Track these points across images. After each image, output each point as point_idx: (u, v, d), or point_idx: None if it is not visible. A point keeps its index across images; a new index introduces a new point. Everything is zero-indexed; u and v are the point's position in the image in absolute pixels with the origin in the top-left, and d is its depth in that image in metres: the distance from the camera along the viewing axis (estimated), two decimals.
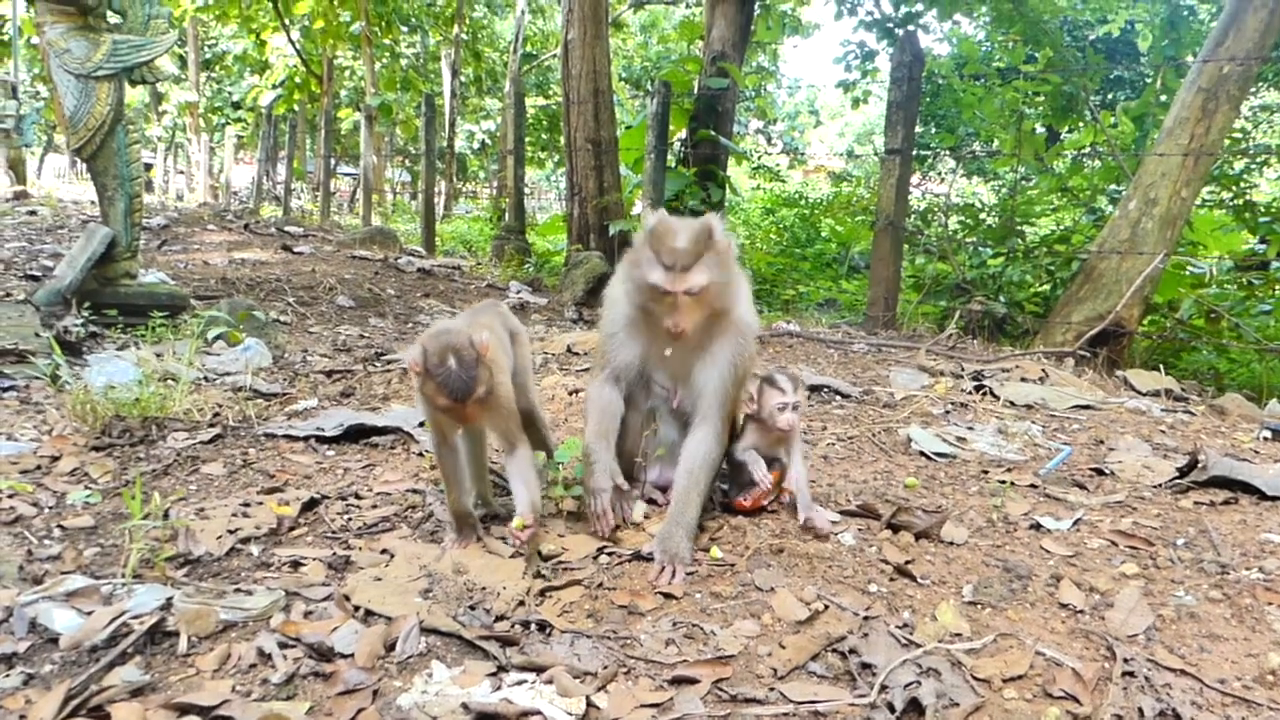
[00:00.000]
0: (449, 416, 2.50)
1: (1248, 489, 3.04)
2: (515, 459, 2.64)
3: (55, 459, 3.28)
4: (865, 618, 2.17)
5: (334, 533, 2.75)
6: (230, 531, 2.66)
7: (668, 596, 2.32)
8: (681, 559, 2.45)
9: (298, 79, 24.17)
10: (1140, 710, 1.81)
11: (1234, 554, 2.53)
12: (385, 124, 24.35)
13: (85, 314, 5.03)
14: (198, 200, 21.99)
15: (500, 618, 2.23)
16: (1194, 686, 1.89)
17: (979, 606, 2.25)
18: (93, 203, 5.95)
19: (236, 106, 30.25)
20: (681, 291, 2.46)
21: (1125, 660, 1.97)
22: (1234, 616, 2.19)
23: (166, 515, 2.72)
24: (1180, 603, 2.25)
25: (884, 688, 1.88)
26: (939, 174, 15.78)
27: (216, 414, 3.82)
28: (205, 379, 4.55)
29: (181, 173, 28.37)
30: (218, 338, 5.41)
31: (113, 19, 5.30)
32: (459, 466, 2.67)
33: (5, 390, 4.10)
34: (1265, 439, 3.92)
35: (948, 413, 4.14)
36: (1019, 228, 8.90)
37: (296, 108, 24.59)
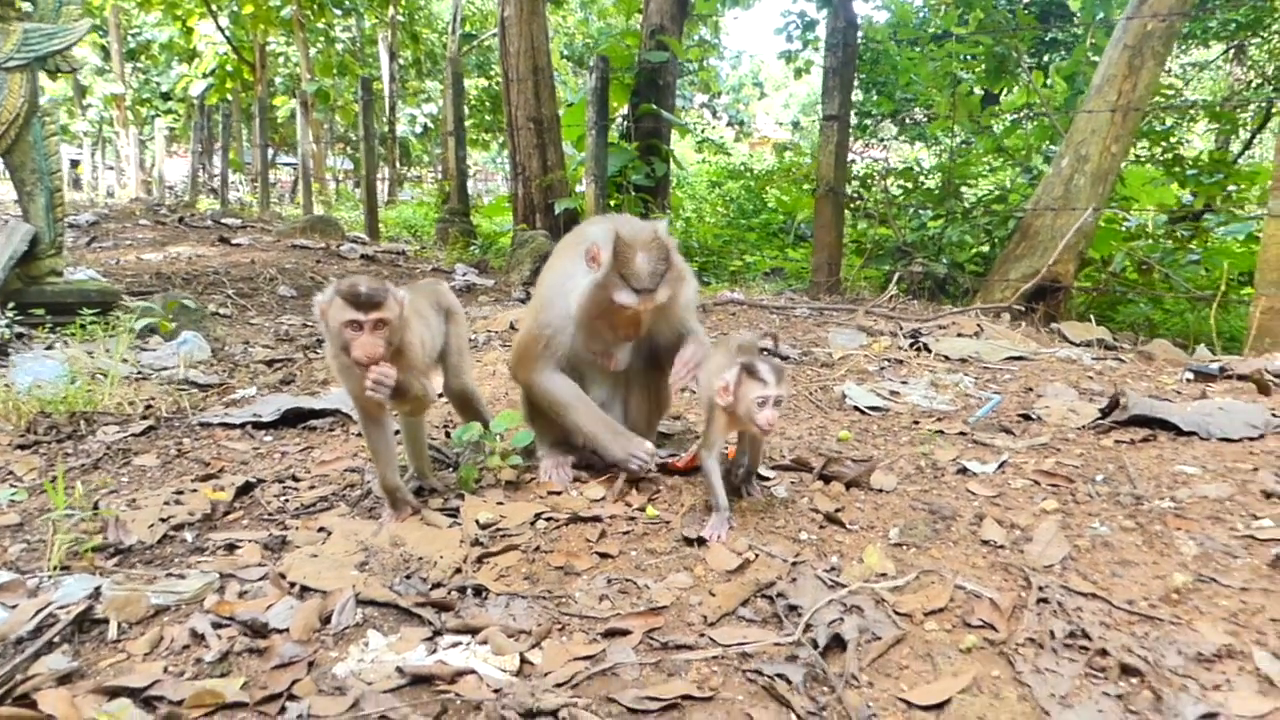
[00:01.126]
0: (356, 361, 2.41)
1: (1166, 426, 3.14)
2: (413, 422, 2.71)
3: None
4: (794, 563, 2.22)
5: (270, 515, 2.74)
6: (163, 519, 2.64)
7: (603, 555, 2.36)
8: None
9: (229, 67, 23.56)
10: (1052, 633, 1.88)
11: (1149, 486, 2.62)
12: (323, 110, 23.94)
13: (9, 314, 4.92)
14: (129, 196, 21.46)
15: (437, 585, 2.25)
16: (1104, 608, 1.97)
17: (904, 547, 2.31)
18: (14, 201, 5.79)
19: (166, 97, 29.42)
20: (652, 307, 2.67)
21: (1040, 588, 2.04)
22: (1145, 543, 2.28)
23: (96, 507, 2.69)
24: (1095, 533, 2.34)
25: (809, 627, 1.94)
26: (881, 141, 15.91)
27: (149, 406, 3.77)
28: (139, 374, 4.49)
29: (111, 168, 27.60)
30: (152, 333, 5.32)
31: (24, 7, 5.15)
32: (387, 442, 2.66)
33: None
34: (1188, 380, 4.04)
35: (883, 369, 4.22)
36: (957, 190, 9.03)
37: (230, 97, 24.04)
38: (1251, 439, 3.00)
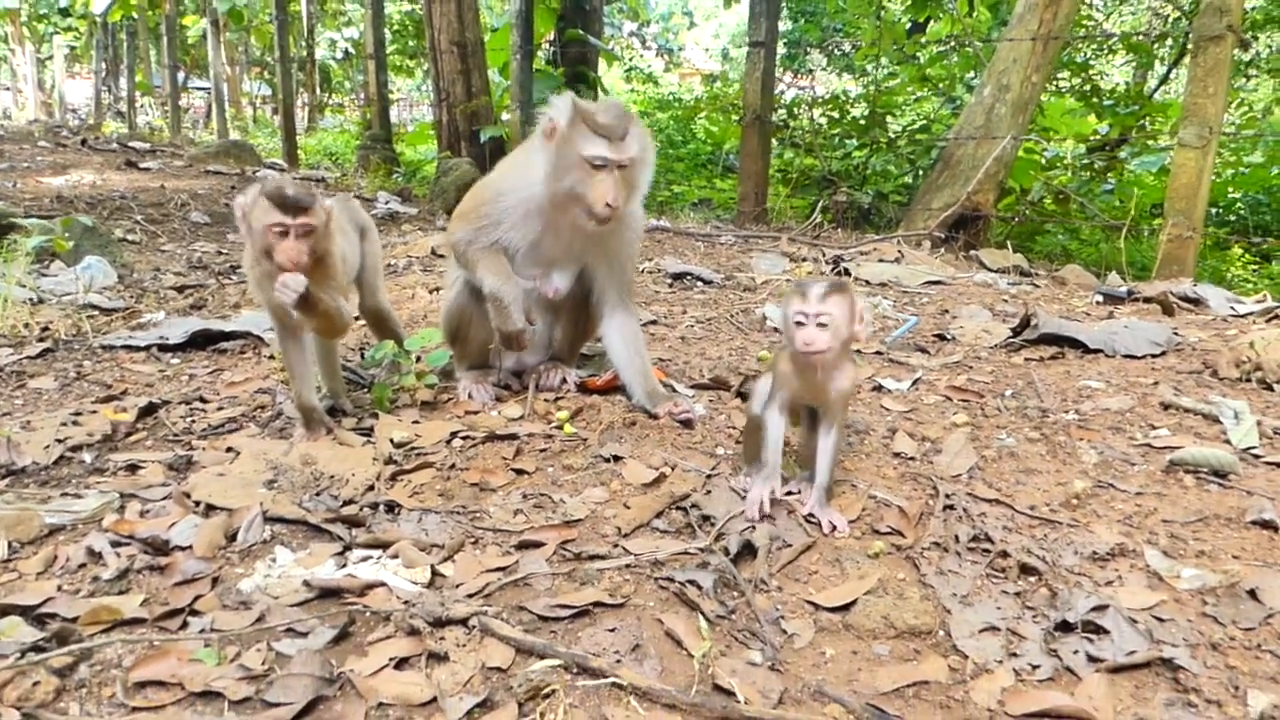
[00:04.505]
0: (279, 266, 2.33)
1: (1074, 344, 3.23)
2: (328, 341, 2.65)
3: None
4: (709, 476, 2.23)
5: (176, 435, 2.65)
6: (59, 440, 2.53)
7: (520, 472, 2.34)
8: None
9: None
10: (956, 537, 1.93)
11: (1055, 400, 2.70)
12: (236, 31, 22.80)
13: None
14: (28, 117, 20.32)
15: (348, 503, 2.22)
16: (1006, 514, 2.03)
17: None
18: None
19: (65, 14, 27.68)
20: (624, 160, 2.45)
21: (947, 496, 2.09)
22: (1049, 453, 2.34)
23: None
24: (1002, 444, 2.40)
25: (721, 535, 1.95)
26: (809, 71, 15.84)
27: (46, 329, 3.61)
28: (38, 299, 4.27)
29: (8, 88, 26.03)
30: (54, 258, 5.07)
31: None
32: (304, 359, 2.60)
33: None
34: (1097, 303, 4.16)
35: None
36: (882, 120, 9.05)
37: (135, 15, 22.70)
38: (1154, 356, 3.10)
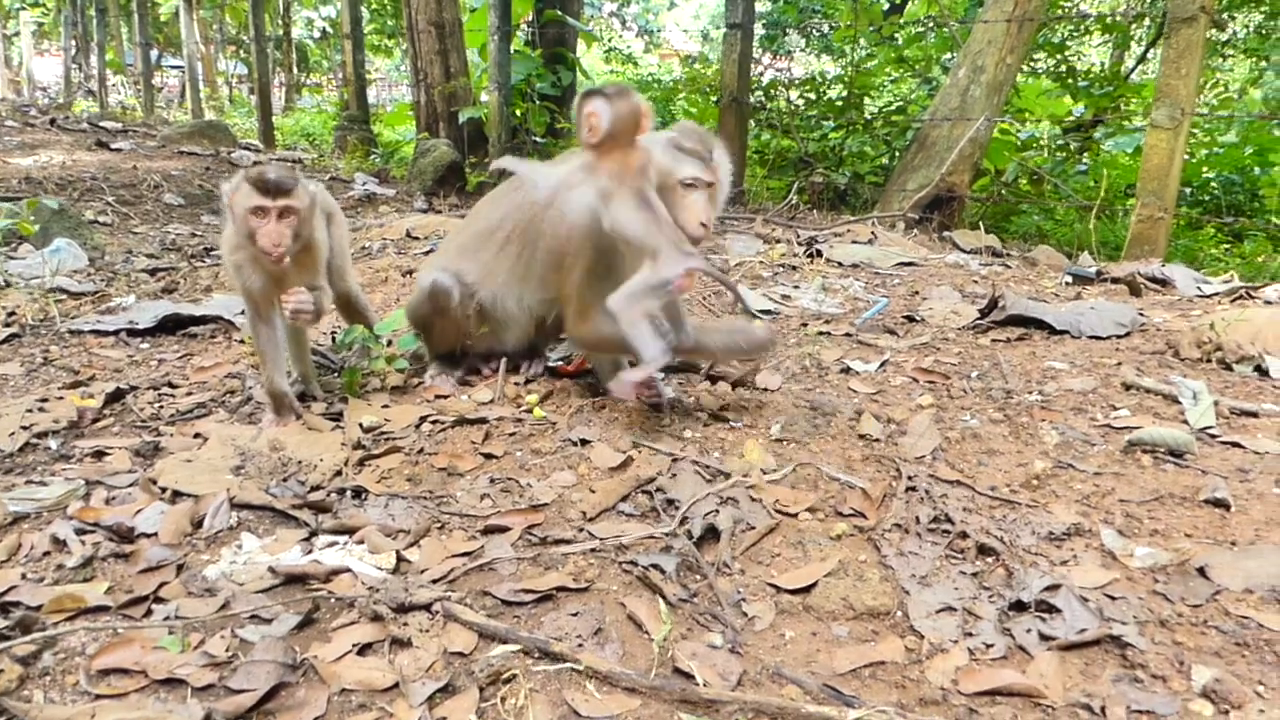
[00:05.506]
0: (261, 250, 2.35)
1: (1041, 325, 3.26)
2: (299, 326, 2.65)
3: None
4: (675, 459, 2.25)
5: (143, 422, 2.65)
6: (24, 427, 2.52)
7: (488, 456, 2.35)
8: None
9: None
10: (917, 518, 1.96)
11: (1019, 381, 2.73)
12: (210, 8, 22.49)
13: None
14: None
15: (316, 488, 2.22)
16: (967, 495, 2.06)
17: (784, 443, 2.36)
18: None
19: None
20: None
21: (909, 478, 2.12)
22: (1011, 434, 2.37)
23: None
24: (966, 425, 2.42)
25: (685, 519, 1.97)
26: (788, 53, 15.79)
27: (12, 314, 3.57)
28: (4, 283, 4.23)
29: None
30: (22, 240, 5.01)
31: None
32: (276, 344, 2.60)
33: None
34: (1066, 283, 4.19)
35: (776, 275, 4.25)
36: (859, 101, 9.05)
37: None
38: (1119, 337, 3.14)
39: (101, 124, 12.27)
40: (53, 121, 12.06)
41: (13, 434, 2.48)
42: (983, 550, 1.84)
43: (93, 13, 18.71)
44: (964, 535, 1.89)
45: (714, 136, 2.50)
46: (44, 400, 2.71)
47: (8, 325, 3.45)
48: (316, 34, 28.13)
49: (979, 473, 2.17)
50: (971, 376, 2.80)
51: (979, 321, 3.36)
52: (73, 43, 19.06)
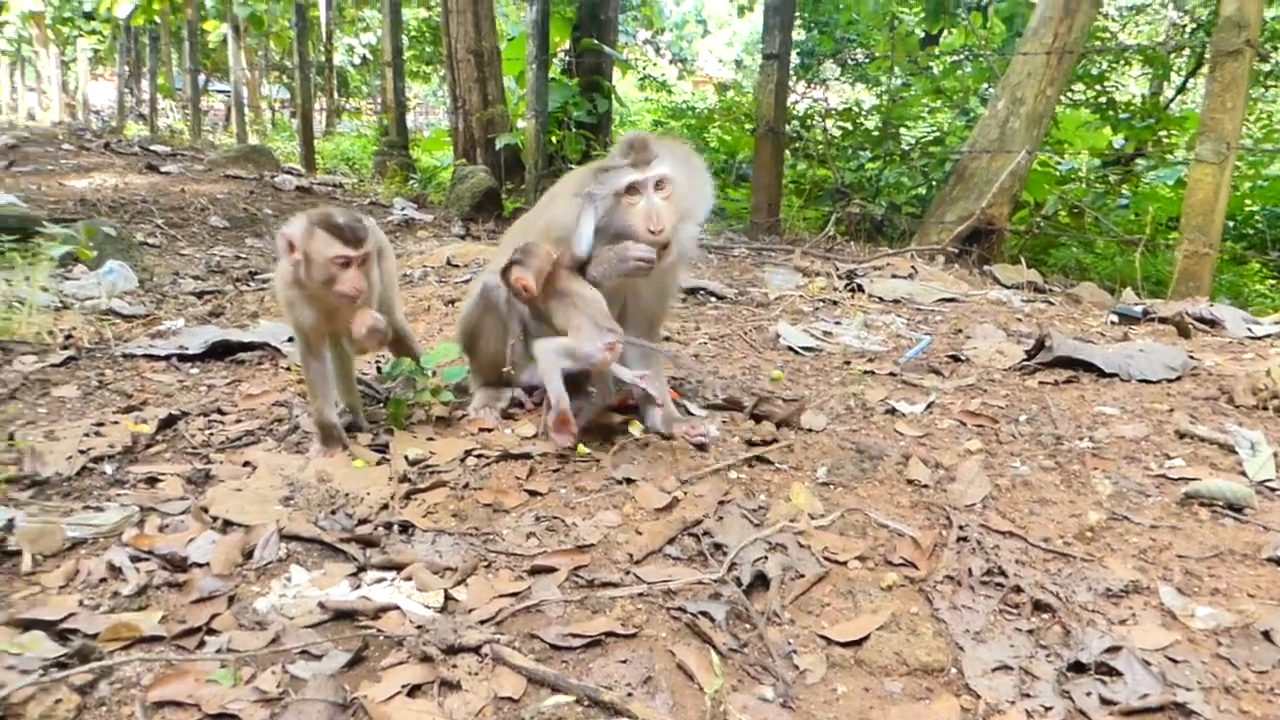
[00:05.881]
0: (333, 294, 2.39)
1: (1089, 368, 3.22)
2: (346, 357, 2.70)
3: None
4: (721, 502, 2.24)
5: (194, 448, 2.68)
6: (81, 451, 2.56)
7: (533, 493, 2.35)
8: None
9: None
10: (970, 570, 1.93)
11: (1069, 427, 2.69)
12: (256, 37, 22.99)
13: None
14: (52, 119, 20.52)
15: (363, 521, 2.23)
16: (1020, 546, 2.03)
17: (831, 486, 2.34)
18: None
19: (89, 17, 27.96)
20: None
21: (960, 527, 2.09)
22: (1063, 482, 2.34)
23: (12, 438, 2.60)
24: (1016, 473, 2.39)
25: (733, 565, 1.96)
26: (823, 81, 15.84)
27: (69, 337, 3.65)
28: (61, 304, 4.32)
29: (32, 89, 26.35)
30: (77, 261, 5.12)
31: None
32: (326, 376, 2.63)
33: None
34: (1112, 323, 4.14)
35: (817, 310, 4.24)
36: (896, 131, 9.05)
37: (158, 19, 22.95)
38: (1169, 381, 3.09)
39: (152, 147, 12.55)
40: (107, 145, 12.36)
41: (70, 458, 2.52)
42: (1038, 606, 1.81)
43: (145, 40, 19.19)
44: (1018, 589, 1.86)
45: (659, 139, 2.60)
46: (100, 424, 2.76)
47: (65, 348, 3.52)
48: (357, 60, 28.66)
49: (1031, 523, 2.14)
50: (1020, 421, 2.77)
51: (1026, 362, 3.33)
52: (126, 68, 19.55)
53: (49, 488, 2.41)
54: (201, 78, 19.95)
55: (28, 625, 1.75)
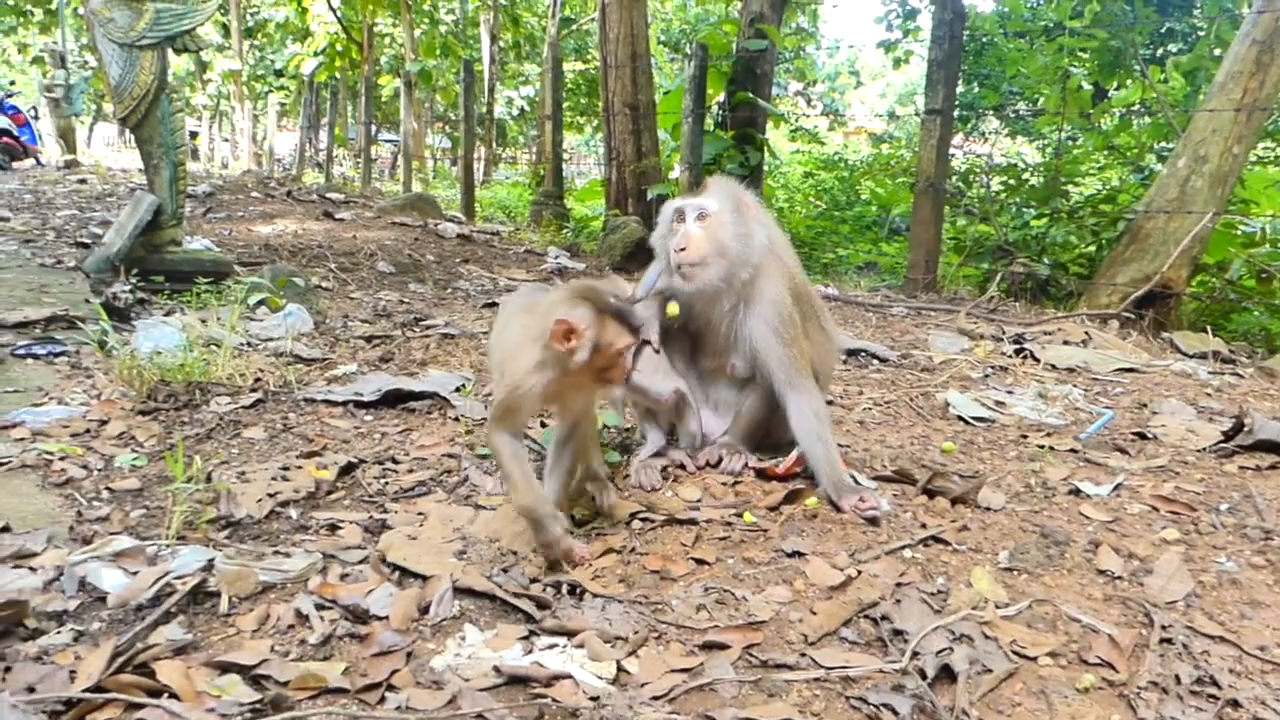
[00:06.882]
0: (603, 377, 2.32)
1: None
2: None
3: (103, 423, 3.36)
4: (898, 584, 2.15)
5: (370, 496, 2.79)
6: (270, 495, 2.71)
7: (699, 562, 2.33)
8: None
9: (339, 46, 24.26)
10: (1177, 677, 1.78)
11: (1277, 519, 2.47)
12: (425, 90, 24.40)
13: (133, 281, 5.14)
14: (242, 167, 22.26)
15: (533, 581, 2.26)
16: (1233, 654, 1.86)
17: (1015, 573, 2.22)
18: (141, 171, 6.03)
19: (279, 74, 30.41)
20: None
21: (1163, 627, 1.94)
22: (1277, 583, 2.14)
23: (209, 478, 2.77)
24: (1221, 569, 2.21)
25: (915, 654, 1.87)
26: (982, 134, 15.43)
27: (258, 379, 3.88)
28: (248, 344, 4.62)
29: (226, 140, 28.74)
30: (260, 303, 5.49)
31: None
32: (524, 458, 2.38)
33: (56, 355, 4.20)
34: None
35: (987, 376, 4.08)
36: (1063, 187, 8.69)
37: (338, 75, 24.70)
38: None
39: (327, 195, 13.38)
40: (289, 193, 13.26)
41: (260, 501, 2.67)
42: None
43: (326, 94, 20.63)
44: (1235, 704, 1.70)
45: (726, 180, 2.82)
46: (285, 468, 2.91)
47: (253, 390, 3.75)
48: (515, 112, 29.91)
49: (1243, 628, 1.97)
50: (1221, 510, 2.56)
51: (1222, 444, 3.09)
52: (307, 120, 21.04)
53: (241, 529, 2.55)
54: (373, 128, 21.23)
55: (225, 668, 1.84)
